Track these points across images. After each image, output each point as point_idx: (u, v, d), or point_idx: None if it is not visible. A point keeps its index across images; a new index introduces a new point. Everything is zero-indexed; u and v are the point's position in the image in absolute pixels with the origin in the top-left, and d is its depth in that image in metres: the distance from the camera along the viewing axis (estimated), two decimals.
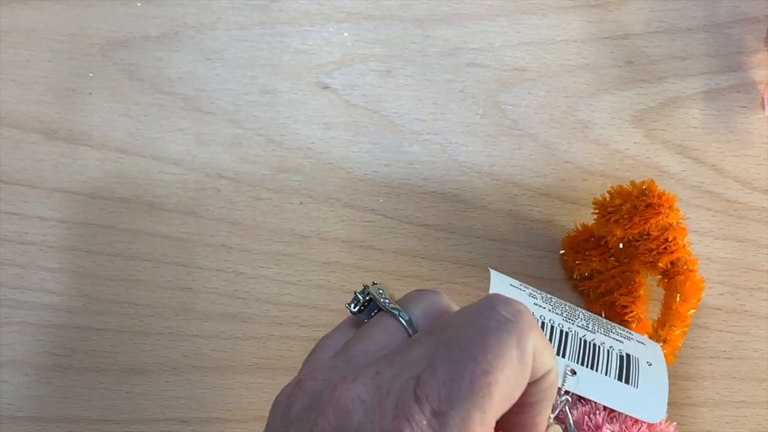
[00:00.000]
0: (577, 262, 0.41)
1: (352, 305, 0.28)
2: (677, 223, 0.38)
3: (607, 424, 0.35)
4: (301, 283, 0.42)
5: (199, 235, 0.42)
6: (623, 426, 0.35)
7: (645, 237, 0.38)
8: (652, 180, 0.39)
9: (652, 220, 0.38)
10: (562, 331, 0.36)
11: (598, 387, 0.35)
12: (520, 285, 0.37)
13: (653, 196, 0.38)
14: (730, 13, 0.43)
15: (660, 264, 0.39)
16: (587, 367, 0.36)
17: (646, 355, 0.37)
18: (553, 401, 0.26)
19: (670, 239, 0.38)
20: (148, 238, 0.42)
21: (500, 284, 0.36)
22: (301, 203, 0.42)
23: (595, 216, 0.40)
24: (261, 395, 0.42)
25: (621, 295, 0.40)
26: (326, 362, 0.26)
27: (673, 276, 0.39)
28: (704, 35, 0.43)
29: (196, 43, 0.43)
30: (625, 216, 0.38)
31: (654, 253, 0.38)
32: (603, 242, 0.40)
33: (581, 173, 0.43)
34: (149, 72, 0.43)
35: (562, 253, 0.42)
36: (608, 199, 0.39)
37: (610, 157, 0.43)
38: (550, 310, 0.37)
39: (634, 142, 0.43)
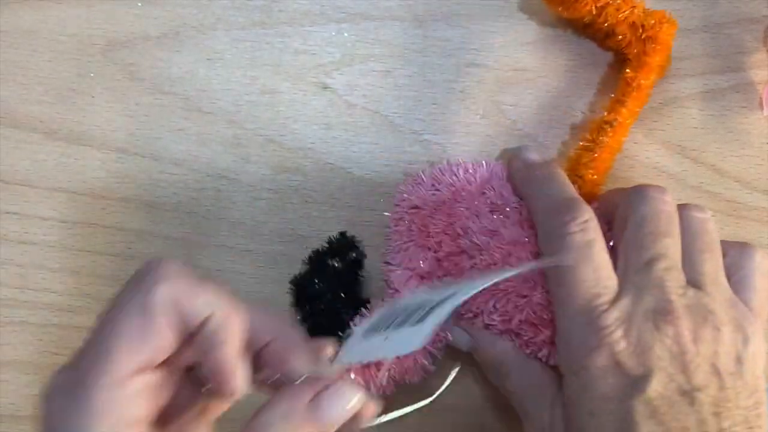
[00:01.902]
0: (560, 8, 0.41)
1: None
2: (611, 3, 0.39)
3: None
4: None
5: (200, 235, 0.42)
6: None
7: (582, 20, 0.40)
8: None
9: (581, 9, 0.38)
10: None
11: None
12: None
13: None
14: (729, 14, 0.43)
15: (618, 34, 0.39)
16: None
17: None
18: (233, 342, 0.29)
19: (608, 20, 0.39)
20: (148, 237, 0.42)
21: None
22: (307, 202, 0.42)
23: None
24: (261, 395, 0.41)
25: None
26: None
27: (637, 35, 0.40)
28: (703, 35, 0.43)
29: (197, 43, 0.43)
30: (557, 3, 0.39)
31: (601, 32, 0.40)
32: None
33: None
34: (150, 72, 0.43)
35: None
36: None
37: None
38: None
39: (634, 143, 0.43)
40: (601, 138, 0.39)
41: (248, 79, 0.43)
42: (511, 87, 0.43)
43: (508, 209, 0.38)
